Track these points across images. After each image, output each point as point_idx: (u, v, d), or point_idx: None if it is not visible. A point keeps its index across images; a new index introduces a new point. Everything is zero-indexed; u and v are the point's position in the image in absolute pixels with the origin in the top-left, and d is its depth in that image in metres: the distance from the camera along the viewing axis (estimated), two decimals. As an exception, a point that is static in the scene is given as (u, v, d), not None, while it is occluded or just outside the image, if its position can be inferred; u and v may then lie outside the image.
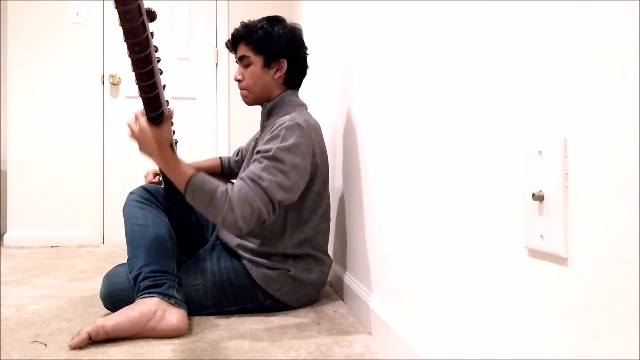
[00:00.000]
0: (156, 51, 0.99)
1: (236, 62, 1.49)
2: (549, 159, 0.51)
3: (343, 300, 1.50)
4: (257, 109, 1.54)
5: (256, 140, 1.58)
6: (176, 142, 1.36)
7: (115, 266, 1.35)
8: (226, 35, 2.92)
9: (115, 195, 2.91)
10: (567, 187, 0.49)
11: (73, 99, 2.93)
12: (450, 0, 0.76)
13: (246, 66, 1.45)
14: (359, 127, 1.37)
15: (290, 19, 1.56)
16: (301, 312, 1.36)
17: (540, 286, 0.53)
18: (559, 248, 0.50)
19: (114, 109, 2.96)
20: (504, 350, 0.61)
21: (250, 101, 1.49)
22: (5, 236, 2.88)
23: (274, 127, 1.32)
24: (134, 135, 1.18)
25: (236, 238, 1.38)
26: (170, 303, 1.15)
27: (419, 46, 0.90)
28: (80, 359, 0.99)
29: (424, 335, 0.87)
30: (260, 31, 1.42)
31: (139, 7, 0.82)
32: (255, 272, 1.32)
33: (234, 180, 1.62)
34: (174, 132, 1.30)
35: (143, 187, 1.41)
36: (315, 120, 1.42)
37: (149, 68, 0.96)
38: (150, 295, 1.15)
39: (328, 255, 1.46)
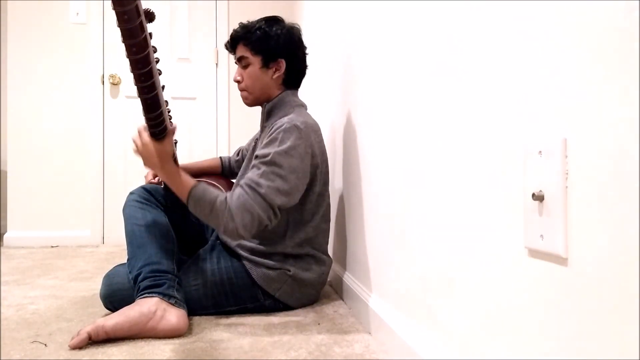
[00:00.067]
0: (155, 52, 0.99)
1: (235, 63, 1.49)
2: (549, 159, 0.51)
3: (343, 300, 1.50)
4: (257, 109, 1.54)
5: (256, 141, 1.59)
6: (176, 142, 1.36)
7: (115, 266, 1.35)
8: (226, 35, 2.92)
9: (115, 195, 2.91)
10: (567, 187, 0.49)
11: (73, 99, 2.93)
12: (450, 0, 0.76)
13: (245, 67, 1.45)
14: (359, 127, 1.37)
15: (290, 19, 1.56)
16: (301, 312, 1.36)
17: (540, 286, 0.53)
18: (559, 248, 0.50)
19: (114, 109, 2.96)
20: (503, 350, 0.61)
21: (250, 102, 1.49)
22: (5, 236, 2.88)
23: (272, 130, 1.32)
24: (138, 150, 1.22)
25: (236, 238, 1.38)
26: (170, 303, 1.15)
27: (418, 46, 0.90)
28: (80, 359, 0.99)
29: (424, 335, 0.87)
30: (258, 32, 1.42)
31: (137, 7, 0.82)
32: (255, 272, 1.32)
33: (234, 180, 1.62)
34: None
35: (143, 187, 1.41)
36: (315, 121, 1.42)
37: (147, 69, 0.95)
38: (150, 295, 1.15)
39: (328, 255, 1.46)
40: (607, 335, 0.43)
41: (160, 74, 1.06)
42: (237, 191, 1.23)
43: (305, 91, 2.37)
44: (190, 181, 1.23)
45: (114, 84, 2.94)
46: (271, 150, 1.27)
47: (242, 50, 1.45)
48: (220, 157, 1.80)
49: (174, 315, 1.14)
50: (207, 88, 3.05)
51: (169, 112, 1.21)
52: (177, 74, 3.01)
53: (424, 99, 0.87)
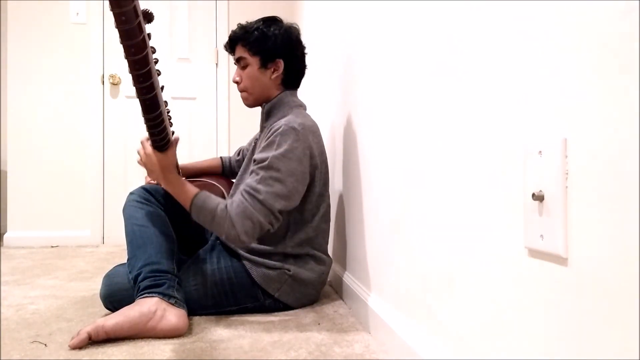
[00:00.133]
0: (154, 52, 0.98)
1: (235, 64, 1.49)
2: (549, 159, 0.51)
3: (343, 300, 1.50)
4: (257, 109, 1.54)
5: (256, 141, 1.59)
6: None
7: (115, 266, 1.35)
8: (226, 35, 2.91)
9: (115, 195, 2.91)
10: (567, 187, 0.49)
11: (73, 99, 2.93)
12: (450, 1, 0.76)
13: (244, 67, 1.45)
14: (359, 127, 1.37)
15: (290, 19, 1.57)
16: (301, 312, 1.36)
17: (540, 286, 0.53)
18: (559, 248, 0.50)
19: (114, 109, 2.96)
20: (503, 350, 0.61)
21: (250, 103, 1.49)
22: (5, 236, 2.88)
23: (270, 133, 1.32)
24: (141, 161, 1.29)
25: (236, 238, 1.38)
26: (170, 303, 1.15)
27: (418, 46, 0.90)
28: (80, 359, 0.99)
29: (423, 335, 0.87)
30: (256, 32, 1.42)
31: (135, 8, 0.82)
32: (255, 272, 1.33)
33: (234, 180, 1.62)
34: (173, 132, 1.31)
35: (143, 188, 1.41)
36: (313, 121, 1.42)
37: (146, 69, 0.95)
38: (150, 295, 1.15)
39: (328, 255, 1.46)
40: (607, 335, 0.43)
41: (159, 75, 1.06)
42: (237, 198, 1.24)
43: (305, 91, 2.37)
44: (192, 190, 1.26)
45: (114, 84, 2.94)
46: (268, 154, 1.28)
47: (240, 51, 1.45)
48: (221, 157, 1.80)
49: (173, 315, 1.14)
50: (207, 88, 3.05)
51: (168, 112, 1.22)
52: (177, 74, 3.01)
53: (424, 99, 0.87)
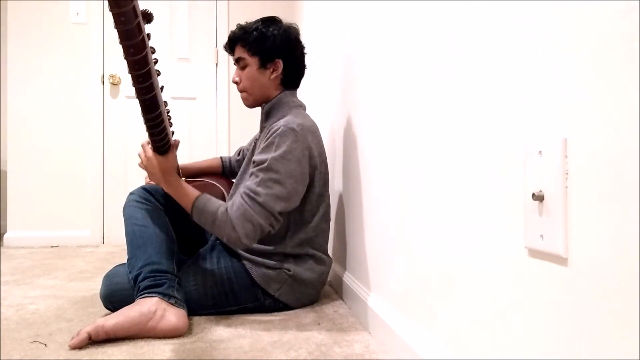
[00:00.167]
0: (153, 52, 0.98)
1: (234, 64, 1.50)
2: (549, 159, 0.51)
3: (343, 300, 1.50)
4: (257, 109, 1.54)
5: (256, 141, 1.59)
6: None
7: (115, 266, 1.35)
8: (226, 35, 2.91)
9: (115, 195, 2.91)
10: (567, 187, 0.49)
11: (73, 99, 2.93)
12: (450, 1, 0.76)
13: (243, 68, 1.46)
14: (359, 127, 1.37)
15: (290, 19, 1.57)
16: (301, 312, 1.36)
17: (540, 286, 0.53)
18: (559, 248, 0.50)
19: (114, 109, 2.96)
20: (503, 350, 0.61)
21: (250, 103, 1.50)
22: (5, 236, 2.88)
23: (269, 134, 1.33)
24: (142, 164, 1.30)
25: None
26: (170, 303, 1.15)
27: (418, 46, 0.90)
28: (80, 359, 0.99)
29: (423, 335, 0.87)
30: (254, 32, 1.42)
31: (134, 9, 0.82)
32: (255, 272, 1.33)
33: (234, 180, 1.62)
34: (173, 132, 1.31)
35: (143, 188, 1.41)
36: (312, 122, 1.42)
37: (145, 70, 0.95)
38: (150, 295, 1.15)
39: (328, 255, 1.46)
40: (607, 335, 0.43)
41: (159, 75, 1.06)
42: (237, 201, 1.25)
43: (305, 91, 2.37)
44: (193, 193, 1.27)
45: (114, 84, 2.94)
46: (267, 156, 1.28)
47: (239, 52, 1.45)
48: (221, 157, 1.80)
49: (173, 315, 1.14)
50: (207, 88, 3.05)
51: (168, 112, 1.22)
52: (177, 74, 3.01)
53: (424, 99, 0.87)
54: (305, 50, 1.52)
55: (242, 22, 1.48)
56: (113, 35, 2.93)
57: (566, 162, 0.49)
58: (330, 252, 1.81)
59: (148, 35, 0.93)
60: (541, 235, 0.53)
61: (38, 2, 2.89)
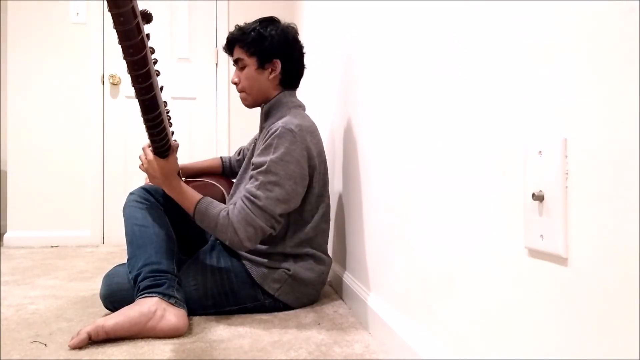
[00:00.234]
0: (152, 52, 0.98)
1: (233, 65, 1.50)
2: (549, 159, 0.51)
3: (343, 300, 1.50)
4: (257, 109, 1.54)
5: (255, 141, 1.59)
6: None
7: (115, 266, 1.35)
8: (226, 36, 2.92)
9: (115, 195, 2.91)
10: (567, 187, 0.49)
11: (73, 99, 2.93)
12: (450, 1, 0.76)
13: (242, 69, 1.46)
14: (359, 127, 1.37)
15: (290, 19, 1.57)
16: (301, 312, 1.36)
17: (540, 286, 0.53)
18: (559, 248, 0.50)
19: (114, 109, 2.96)
20: (503, 350, 0.61)
21: (249, 103, 1.50)
22: (5, 236, 2.88)
23: (267, 135, 1.33)
24: (143, 167, 1.31)
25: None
26: (170, 303, 1.15)
27: (418, 46, 0.90)
28: (80, 359, 0.99)
29: (423, 335, 0.87)
30: (252, 33, 1.43)
31: (133, 9, 0.82)
32: (255, 272, 1.33)
33: (234, 180, 1.62)
34: (173, 133, 1.31)
35: (143, 188, 1.41)
36: (312, 122, 1.42)
37: (144, 70, 0.95)
38: (150, 295, 1.15)
39: (328, 255, 1.46)
40: (607, 335, 0.43)
41: (158, 75, 1.06)
42: (238, 205, 1.27)
43: (305, 92, 2.37)
44: (194, 197, 1.29)
45: (114, 84, 2.94)
46: (266, 158, 1.29)
47: (238, 52, 1.46)
48: (221, 157, 1.80)
49: (173, 315, 1.14)
50: (207, 88, 3.05)
51: (167, 113, 1.22)
52: (177, 74, 3.01)
53: (424, 99, 0.87)
54: (305, 50, 1.52)
55: (242, 23, 1.49)
56: (113, 35, 2.93)
57: (566, 162, 0.49)
58: (330, 252, 1.81)
59: (147, 35, 0.93)
60: (541, 235, 0.53)
61: (38, 2, 2.89)
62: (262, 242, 1.36)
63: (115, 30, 0.84)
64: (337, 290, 1.61)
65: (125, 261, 1.30)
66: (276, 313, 1.35)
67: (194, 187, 1.42)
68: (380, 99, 1.16)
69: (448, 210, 0.77)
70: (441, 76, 0.80)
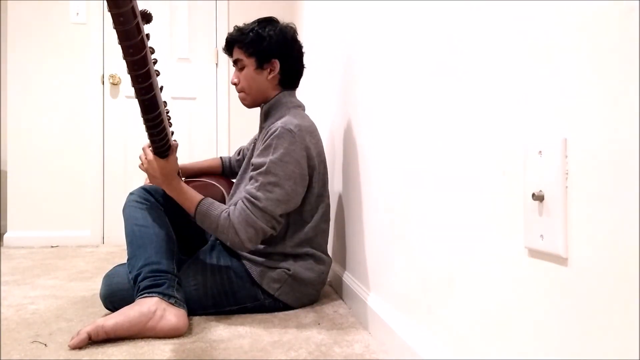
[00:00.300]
0: (152, 52, 0.98)
1: (233, 66, 1.50)
2: (549, 159, 0.51)
3: (343, 300, 1.50)
4: (257, 109, 1.54)
5: (255, 141, 1.59)
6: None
7: (115, 266, 1.35)
8: (226, 36, 2.92)
9: (115, 195, 2.91)
10: (567, 187, 0.49)
11: (73, 99, 2.93)
12: (450, 1, 0.76)
13: (241, 69, 1.47)
14: (359, 127, 1.37)
15: (290, 19, 1.57)
16: (301, 312, 1.36)
17: (540, 286, 0.53)
18: (559, 248, 0.50)
19: (114, 109, 2.96)
20: (503, 350, 0.61)
21: (248, 104, 1.50)
22: (5, 236, 2.88)
23: (267, 136, 1.33)
24: (143, 166, 1.31)
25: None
26: (170, 303, 1.15)
27: (418, 46, 0.90)
28: (80, 359, 0.99)
29: (423, 335, 0.87)
30: (251, 33, 1.43)
31: (133, 9, 0.82)
32: (255, 272, 1.33)
33: (234, 180, 1.62)
34: (173, 132, 1.31)
35: (143, 188, 1.41)
36: (311, 122, 1.42)
37: (144, 70, 0.95)
38: (150, 295, 1.15)
39: (328, 255, 1.46)
40: (607, 335, 0.43)
41: (158, 75, 1.06)
42: (239, 206, 1.27)
43: (305, 92, 2.37)
44: (195, 197, 1.30)
45: (114, 84, 2.94)
46: (266, 159, 1.29)
47: (237, 53, 1.46)
48: (221, 157, 1.80)
49: (173, 315, 1.14)
50: (207, 88, 3.05)
51: (167, 113, 1.22)
52: (177, 74, 3.01)
53: (424, 99, 0.87)
54: (304, 50, 1.52)
55: (242, 23, 1.49)
56: (113, 35, 2.93)
57: (566, 162, 0.49)
58: (330, 252, 1.81)
59: (147, 35, 0.93)
60: (541, 235, 0.53)
61: (38, 2, 2.89)
62: (262, 242, 1.36)
63: (115, 30, 0.84)
64: (337, 290, 1.61)
65: (125, 261, 1.30)
66: (276, 313, 1.35)
67: (194, 187, 1.41)
68: (380, 99, 1.16)
69: (448, 210, 0.77)
70: (441, 76, 0.80)
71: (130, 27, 0.84)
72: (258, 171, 1.29)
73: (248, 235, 1.25)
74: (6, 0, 2.91)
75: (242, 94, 1.48)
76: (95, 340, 1.06)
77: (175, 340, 1.10)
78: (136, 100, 1.04)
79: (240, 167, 1.71)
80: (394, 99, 1.05)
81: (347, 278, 1.48)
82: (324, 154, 1.45)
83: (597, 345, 0.45)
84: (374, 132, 1.22)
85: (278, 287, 1.34)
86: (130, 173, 2.94)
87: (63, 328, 1.20)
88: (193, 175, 1.70)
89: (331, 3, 1.80)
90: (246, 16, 1.68)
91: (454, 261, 0.75)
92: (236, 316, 1.31)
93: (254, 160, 1.33)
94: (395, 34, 1.03)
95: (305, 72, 1.55)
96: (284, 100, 1.46)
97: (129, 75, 0.97)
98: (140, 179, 2.87)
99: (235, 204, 1.28)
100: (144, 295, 1.15)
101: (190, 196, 1.30)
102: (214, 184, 1.63)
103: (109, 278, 1.30)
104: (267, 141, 1.32)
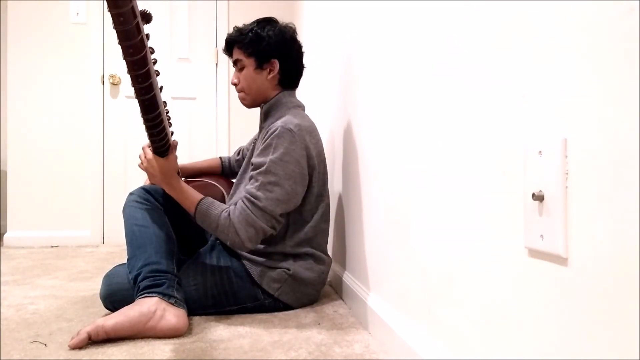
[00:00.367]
0: (152, 52, 0.98)
1: (233, 66, 1.50)
2: (549, 159, 0.51)
3: (343, 300, 1.50)
4: (256, 109, 1.54)
5: (255, 141, 1.59)
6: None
7: (115, 266, 1.35)
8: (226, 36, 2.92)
9: (115, 195, 2.91)
10: (567, 187, 0.49)
11: (73, 99, 2.93)
12: (450, 1, 0.76)
13: (241, 69, 1.47)
14: (359, 127, 1.37)
15: (290, 19, 1.57)
16: (301, 312, 1.36)
17: (540, 286, 0.53)
18: (559, 248, 0.50)
19: (114, 109, 2.96)
20: (503, 350, 0.61)
21: (248, 104, 1.50)
22: (5, 236, 2.88)
23: (267, 135, 1.33)
24: (143, 166, 1.31)
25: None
26: (170, 303, 1.15)
27: (418, 46, 0.90)
28: (80, 359, 0.99)
29: (423, 335, 0.87)
30: (250, 34, 1.43)
31: (133, 9, 0.82)
32: (255, 271, 1.33)
33: (234, 180, 1.62)
34: (172, 132, 1.31)
35: (143, 188, 1.41)
36: (311, 122, 1.42)
37: (144, 70, 0.95)
38: (150, 295, 1.15)
39: (327, 255, 1.46)
40: (607, 335, 0.43)
41: (158, 75, 1.06)
42: (239, 206, 1.27)
43: (305, 92, 2.37)
44: (195, 196, 1.30)
45: (114, 84, 2.94)
46: (266, 159, 1.29)
47: (237, 53, 1.46)
48: (220, 157, 1.80)
49: (173, 315, 1.14)
50: (207, 88, 3.05)
51: (167, 113, 1.22)
52: (177, 74, 3.01)
53: (424, 99, 0.87)
54: (304, 50, 1.52)
55: (242, 23, 1.49)
56: (113, 35, 2.93)
57: (566, 162, 0.49)
58: (330, 252, 1.81)
59: (147, 35, 0.93)
60: (541, 235, 0.53)
61: (38, 2, 2.89)
62: (262, 242, 1.36)
63: (115, 30, 0.84)
64: (337, 290, 1.61)
65: (125, 261, 1.30)
66: (276, 313, 1.35)
67: (194, 187, 1.41)
68: (380, 99, 1.16)
69: (448, 210, 0.77)
70: (441, 76, 0.80)
71: (130, 27, 0.84)
72: (258, 171, 1.30)
73: (248, 234, 1.25)
74: (6, 0, 2.91)
75: (242, 94, 1.49)
76: (95, 340, 1.06)
77: (175, 340, 1.10)
78: (136, 100, 1.04)
79: (240, 167, 1.71)
80: (394, 99, 1.05)
81: (347, 278, 1.48)
82: (323, 153, 1.45)
83: (597, 345, 0.45)
84: (374, 132, 1.22)
85: (278, 287, 1.34)
86: (130, 173, 2.94)
87: (63, 328, 1.20)
88: (193, 175, 1.70)
89: (331, 3, 1.80)
90: (246, 16, 1.68)
91: (454, 261, 0.75)
92: (236, 316, 1.32)
93: (254, 160, 1.33)
94: (395, 33, 1.03)
95: (305, 72, 1.55)
96: (284, 100, 1.46)
97: (129, 75, 0.97)
98: (141, 179, 2.87)
99: (236, 204, 1.28)
100: (144, 295, 1.15)
101: (190, 195, 1.30)
102: (214, 184, 1.63)
103: (109, 278, 1.30)
104: (267, 141, 1.32)
